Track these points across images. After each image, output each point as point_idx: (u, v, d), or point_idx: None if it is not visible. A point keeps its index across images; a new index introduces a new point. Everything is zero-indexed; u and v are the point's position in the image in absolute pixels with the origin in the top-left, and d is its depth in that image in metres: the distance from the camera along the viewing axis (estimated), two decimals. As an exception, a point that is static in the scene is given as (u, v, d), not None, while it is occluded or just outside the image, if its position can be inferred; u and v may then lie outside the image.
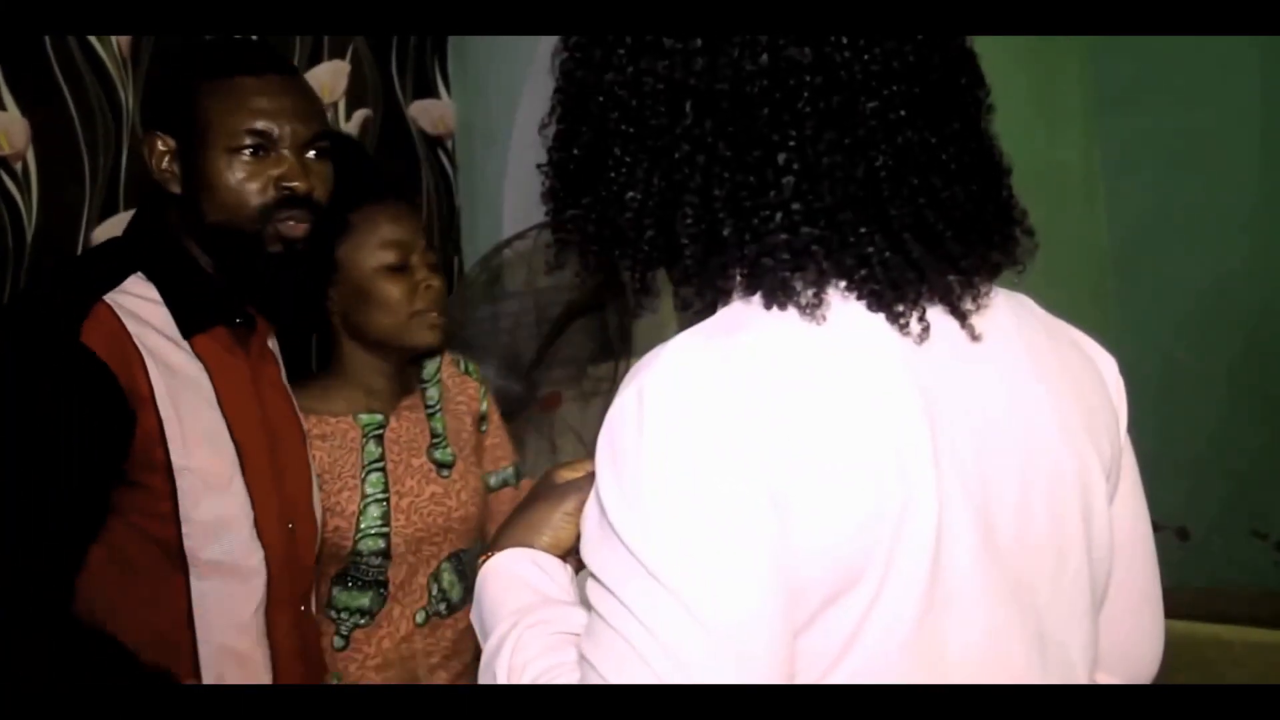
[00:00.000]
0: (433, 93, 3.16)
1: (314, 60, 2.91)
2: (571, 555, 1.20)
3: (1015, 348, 1.10)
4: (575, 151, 1.09)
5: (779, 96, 1.01)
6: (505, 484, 2.30)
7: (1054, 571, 1.08)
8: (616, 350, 2.65)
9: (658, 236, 1.05)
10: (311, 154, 1.77)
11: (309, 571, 1.90)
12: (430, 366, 2.25)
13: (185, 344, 1.73)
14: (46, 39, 2.46)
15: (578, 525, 1.11)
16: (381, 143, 3.04)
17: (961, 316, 1.06)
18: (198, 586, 1.70)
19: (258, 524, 1.75)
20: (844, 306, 1.02)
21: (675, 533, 0.95)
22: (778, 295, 1.01)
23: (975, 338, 1.06)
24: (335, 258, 2.09)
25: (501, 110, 3.07)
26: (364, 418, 2.15)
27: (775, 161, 1.01)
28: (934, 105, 1.04)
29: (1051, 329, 1.16)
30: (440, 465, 2.18)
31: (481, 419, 2.28)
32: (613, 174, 1.05)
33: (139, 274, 1.72)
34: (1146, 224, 3.74)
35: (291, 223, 1.73)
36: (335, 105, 2.96)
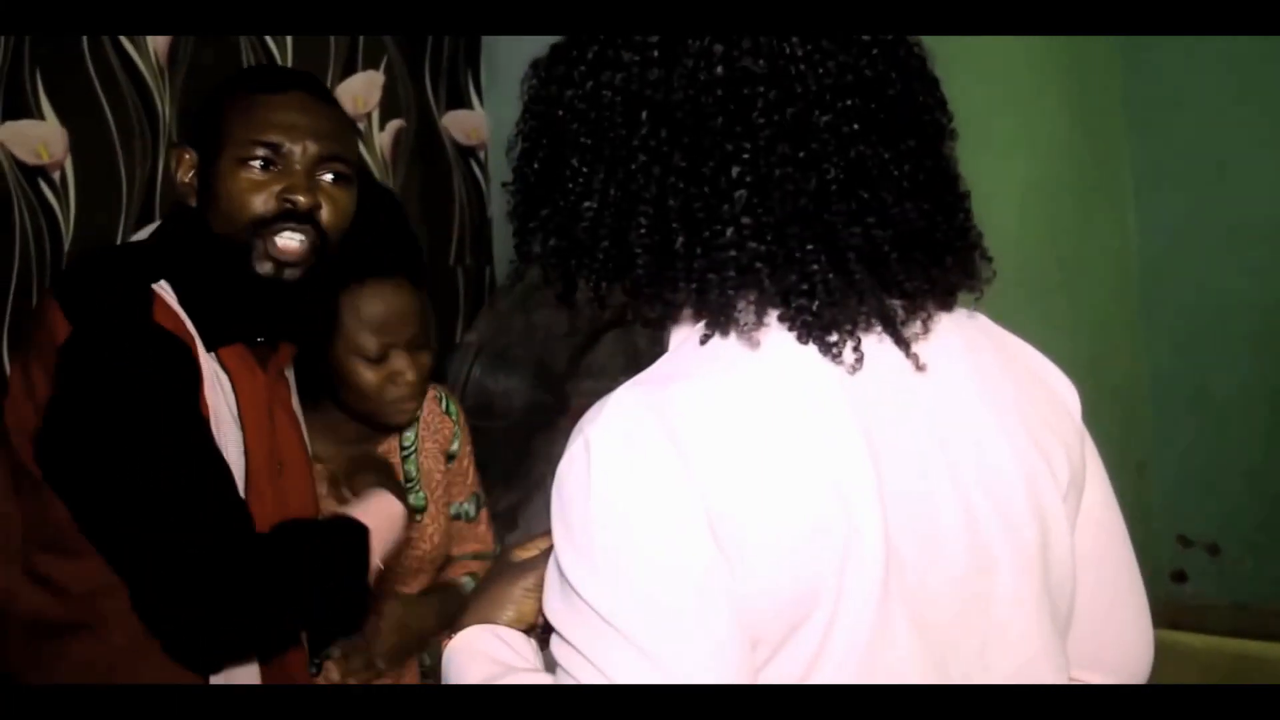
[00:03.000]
0: (466, 103, 3.18)
1: (348, 71, 2.93)
2: (535, 631, 1.20)
3: (960, 371, 1.09)
4: (535, 165, 1.10)
5: (733, 108, 1.02)
6: (459, 517, 2.25)
7: (1005, 589, 1.07)
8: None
9: (612, 247, 1.06)
10: (328, 176, 1.71)
11: None
12: None
13: (212, 353, 1.71)
14: (85, 48, 2.49)
15: (538, 600, 1.12)
16: (415, 153, 3.06)
17: (903, 342, 1.06)
18: None
19: None
20: (780, 341, 1.03)
21: (624, 579, 0.97)
22: (720, 319, 1.03)
23: (919, 366, 1.06)
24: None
25: (534, 121, 3.07)
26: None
27: (729, 173, 1.02)
28: (889, 121, 1.04)
29: (1005, 352, 1.15)
30: (414, 510, 2.12)
31: (450, 458, 2.23)
32: (570, 185, 1.07)
33: (164, 281, 1.70)
34: (1179, 236, 3.72)
35: (286, 236, 1.67)
36: (369, 116, 2.98)
